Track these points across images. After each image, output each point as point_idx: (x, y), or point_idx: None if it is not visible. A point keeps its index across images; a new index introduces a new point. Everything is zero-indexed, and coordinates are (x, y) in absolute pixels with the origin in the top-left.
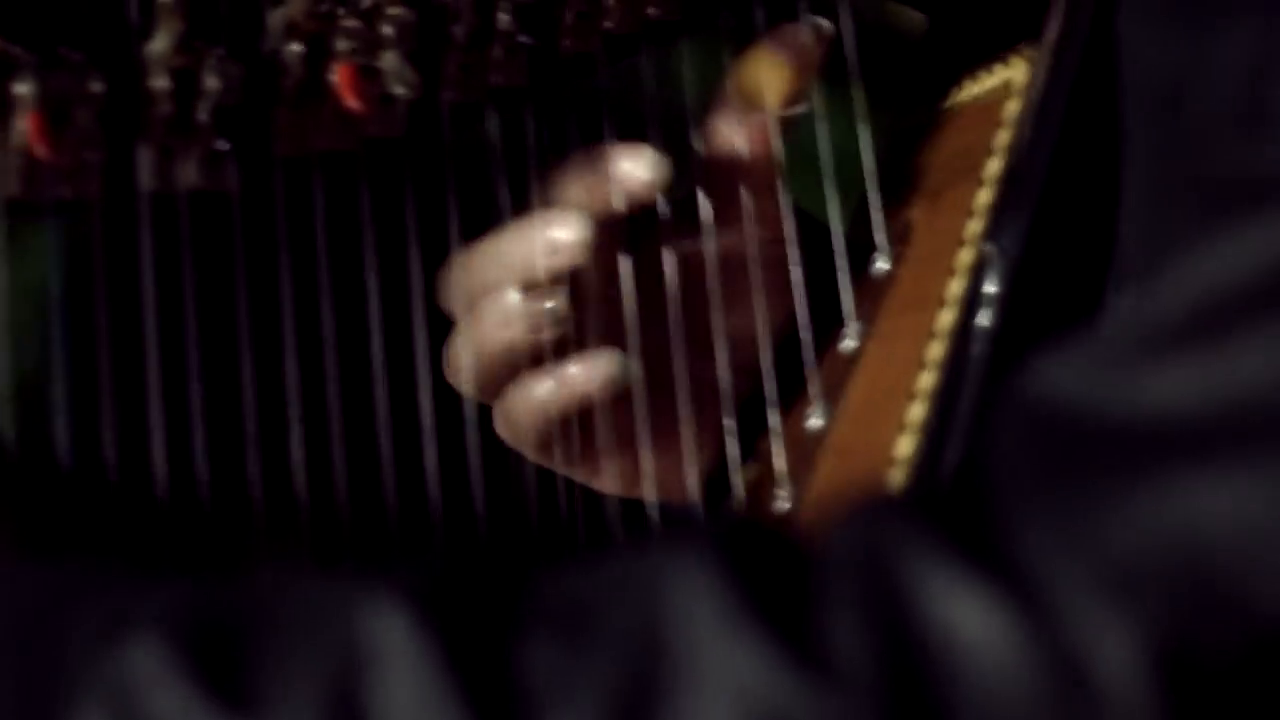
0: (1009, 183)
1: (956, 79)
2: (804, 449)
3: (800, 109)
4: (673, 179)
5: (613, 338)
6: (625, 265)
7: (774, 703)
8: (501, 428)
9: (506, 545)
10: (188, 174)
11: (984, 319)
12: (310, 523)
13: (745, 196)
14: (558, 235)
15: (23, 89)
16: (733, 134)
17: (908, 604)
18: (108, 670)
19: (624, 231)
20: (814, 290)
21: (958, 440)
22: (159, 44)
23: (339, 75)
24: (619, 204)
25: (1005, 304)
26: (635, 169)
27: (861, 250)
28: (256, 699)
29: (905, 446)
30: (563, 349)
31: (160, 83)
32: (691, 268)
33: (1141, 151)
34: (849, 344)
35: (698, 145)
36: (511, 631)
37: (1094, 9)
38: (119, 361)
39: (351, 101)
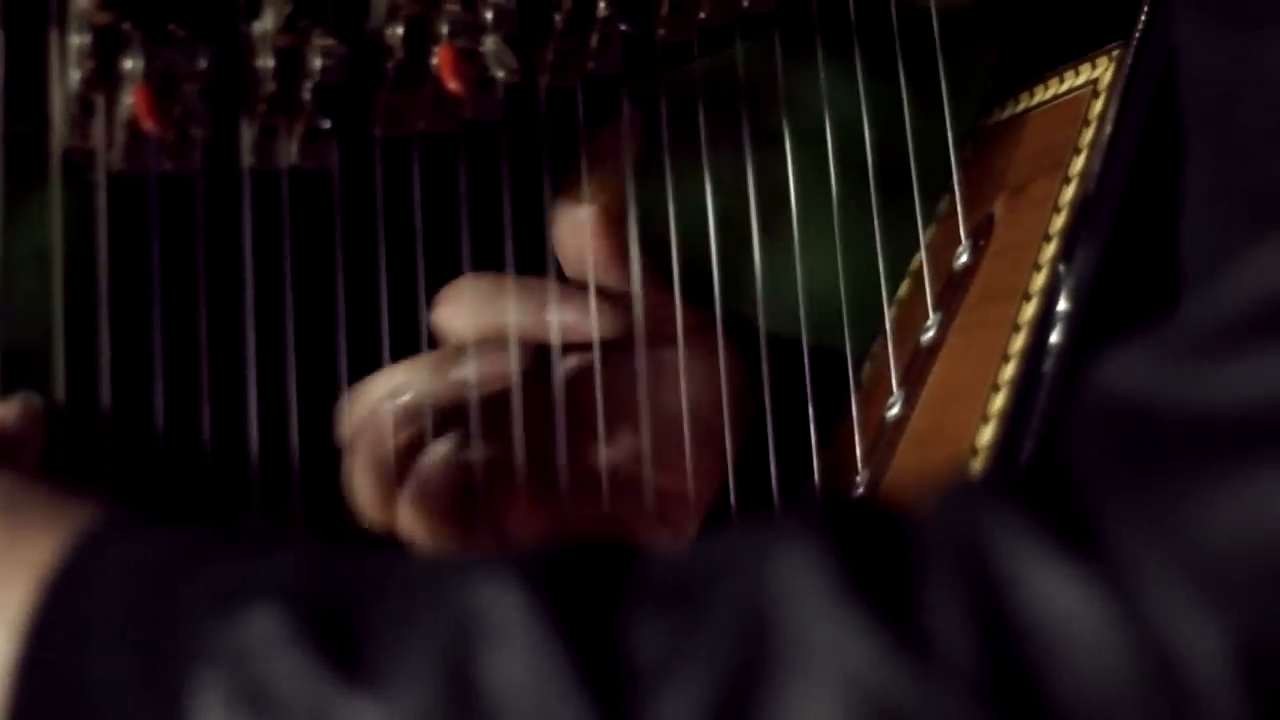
0: (1083, 205)
1: (1041, 78)
2: (883, 437)
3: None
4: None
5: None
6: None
7: (877, 685)
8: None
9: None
10: (289, 152)
11: (1057, 336)
12: None
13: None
14: (493, 369)
15: (130, 64)
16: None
17: (1005, 585)
18: (228, 636)
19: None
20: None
21: (1037, 429)
22: (265, 22)
23: (440, 58)
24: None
25: (1078, 320)
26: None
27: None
28: (373, 667)
29: (987, 435)
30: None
31: (265, 61)
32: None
33: (1201, 156)
34: (929, 334)
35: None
36: (621, 607)
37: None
38: (215, 334)
39: (452, 84)
